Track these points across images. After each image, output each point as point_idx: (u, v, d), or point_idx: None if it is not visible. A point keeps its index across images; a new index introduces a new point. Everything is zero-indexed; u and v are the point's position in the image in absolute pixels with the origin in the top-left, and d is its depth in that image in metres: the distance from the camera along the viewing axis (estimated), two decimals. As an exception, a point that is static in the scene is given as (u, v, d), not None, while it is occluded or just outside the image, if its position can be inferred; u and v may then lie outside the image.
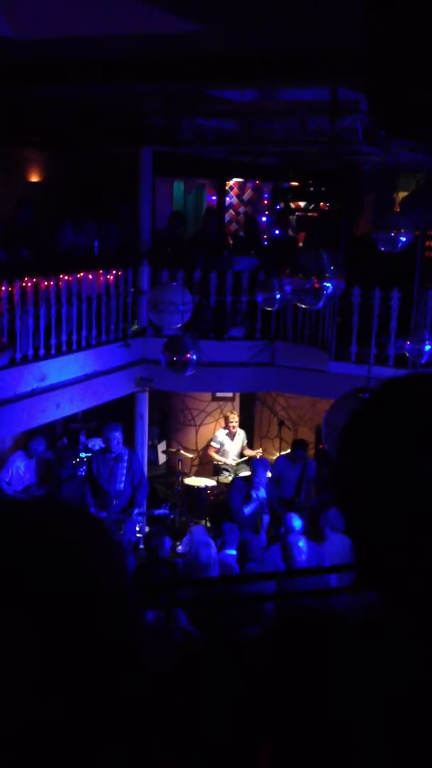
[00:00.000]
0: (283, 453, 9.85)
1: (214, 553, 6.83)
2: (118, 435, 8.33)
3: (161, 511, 9.04)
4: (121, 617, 0.73)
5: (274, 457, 10.44)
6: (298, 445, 9.30)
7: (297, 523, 7.26)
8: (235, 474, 10.33)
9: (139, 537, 8.47)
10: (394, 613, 0.91)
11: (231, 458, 10.64)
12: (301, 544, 6.76)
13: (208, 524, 9.40)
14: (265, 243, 11.78)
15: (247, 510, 8.48)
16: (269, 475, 8.98)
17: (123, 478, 8.30)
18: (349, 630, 0.97)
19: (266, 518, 8.72)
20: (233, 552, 7.26)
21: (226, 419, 10.85)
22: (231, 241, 11.77)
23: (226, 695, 0.96)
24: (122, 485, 8.30)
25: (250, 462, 9.82)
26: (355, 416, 0.98)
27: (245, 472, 9.94)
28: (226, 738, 0.94)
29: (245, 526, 8.25)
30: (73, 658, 0.68)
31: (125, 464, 8.32)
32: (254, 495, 8.55)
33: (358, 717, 0.87)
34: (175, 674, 1.00)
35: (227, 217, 13.21)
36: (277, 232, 12.11)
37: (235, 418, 10.84)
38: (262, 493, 8.57)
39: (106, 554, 0.76)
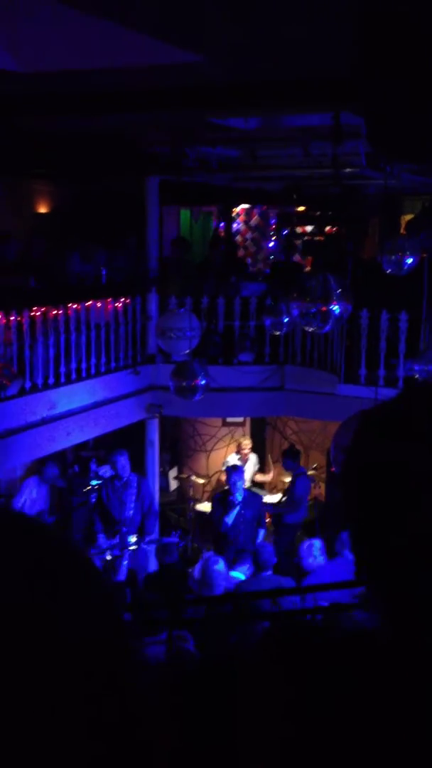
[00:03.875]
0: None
1: (224, 573, 6.84)
2: (123, 460, 8.33)
3: (170, 539, 9.00)
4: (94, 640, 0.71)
5: (287, 481, 10.41)
6: (287, 455, 9.31)
7: (317, 545, 7.25)
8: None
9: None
10: (393, 630, 0.91)
11: (243, 484, 10.61)
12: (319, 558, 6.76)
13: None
14: (267, 271, 11.85)
15: (229, 519, 8.39)
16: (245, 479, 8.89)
17: (132, 505, 8.28)
18: (341, 645, 0.97)
19: (261, 531, 8.64)
20: (239, 574, 7.28)
21: (239, 445, 10.82)
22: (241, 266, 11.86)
23: (218, 713, 0.96)
24: (131, 512, 8.28)
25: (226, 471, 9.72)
26: (357, 435, 0.98)
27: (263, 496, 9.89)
28: (218, 757, 0.94)
29: (234, 535, 8.21)
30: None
31: (134, 491, 8.31)
32: (232, 500, 8.43)
33: (349, 733, 0.87)
34: (168, 693, 1.00)
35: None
36: (281, 257, 12.20)
37: (247, 444, 10.82)
38: (238, 497, 8.45)
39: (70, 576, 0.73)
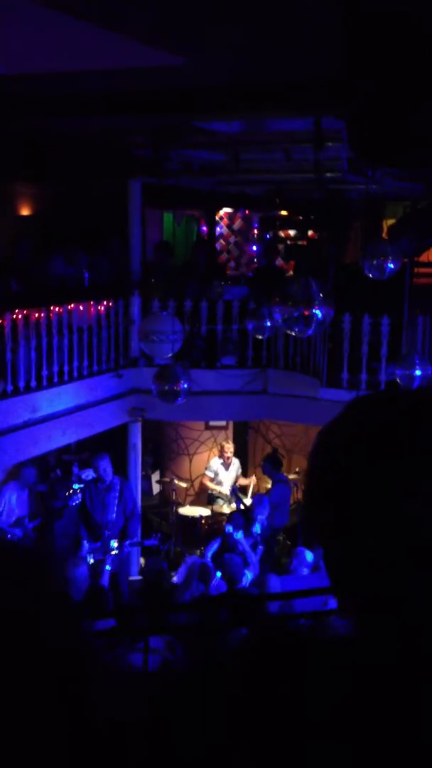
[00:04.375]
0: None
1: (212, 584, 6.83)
2: (105, 463, 8.32)
3: (151, 542, 8.98)
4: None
5: (269, 485, 10.43)
6: (267, 461, 9.30)
7: (309, 556, 7.23)
8: (229, 503, 10.30)
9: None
10: (366, 633, 0.91)
11: (226, 487, 10.61)
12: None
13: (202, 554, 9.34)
14: (250, 275, 11.88)
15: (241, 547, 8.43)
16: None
17: (114, 509, 8.26)
18: (323, 647, 0.97)
19: (260, 549, 8.67)
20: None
21: (222, 449, 10.83)
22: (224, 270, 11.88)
23: (205, 716, 0.95)
24: (114, 515, 8.26)
25: (252, 496, 9.77)
26: (319, 439, 0.98)
27: (247, 500, 9.89)
28: (208, 759, 0.93)
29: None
30: None
31: (116, 494, 8.29)
32: (252, 531, 8.50)
33: (333, 734, 0.87)
34: (156, 698, 1.00)
35: (218, 246, 13.32)
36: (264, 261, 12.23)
37: (230, 448, 10.83)
38: (257, 529, 8.51)
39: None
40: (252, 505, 8.96)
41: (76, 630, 0.73)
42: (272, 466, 9.52)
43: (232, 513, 9.43)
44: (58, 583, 0.75)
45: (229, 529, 8.47)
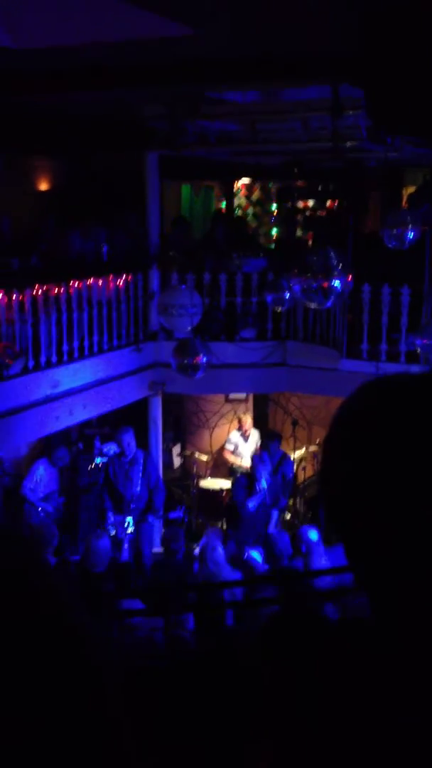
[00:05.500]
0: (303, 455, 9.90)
1: (220, 556, 6.86)
2: (128, 437, 8.38)
3: (176, 514, 9.07)
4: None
5: (291, 457, 10.45)
6: (268, 437, 9.29)
7: (314, 535, 7.20)
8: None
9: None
10: (383, 615, 0.92)
11: (246, 459, 10.64)
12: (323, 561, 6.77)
13: (224, 526, 9.41)
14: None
15: (251, 504, 8.52)
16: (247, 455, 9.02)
17: (139, 482, 8.35)
18: (340, 630, 0.98)
19: (275, 513, 8.73)
20: (257, 554, 7.32)
21: (240, 421, 10.85)
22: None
23: (221, 697, 0.97)
24: (138, 488, 8.35)
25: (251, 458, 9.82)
26: (335, 421, 0.98)
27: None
28: (224, 739, 0.95)
29: (254, 521, 8.28)
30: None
31: (140, 467, 8.37)
32: (257, 488, 8.57)
33: (349, 716, 0.88)
34: (172, 678, 1.02)
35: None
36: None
37: (248, 420, 10.84)
38: (263, 484, 8.58)
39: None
40: (253, 464, 8.97)
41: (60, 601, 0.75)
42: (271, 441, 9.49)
43: (235, 480, 9.42)
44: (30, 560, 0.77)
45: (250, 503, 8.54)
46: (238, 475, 9.67)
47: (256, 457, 9.19)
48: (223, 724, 0.95)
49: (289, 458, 9.46)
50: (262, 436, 10.15)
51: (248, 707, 0.94)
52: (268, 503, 8.66)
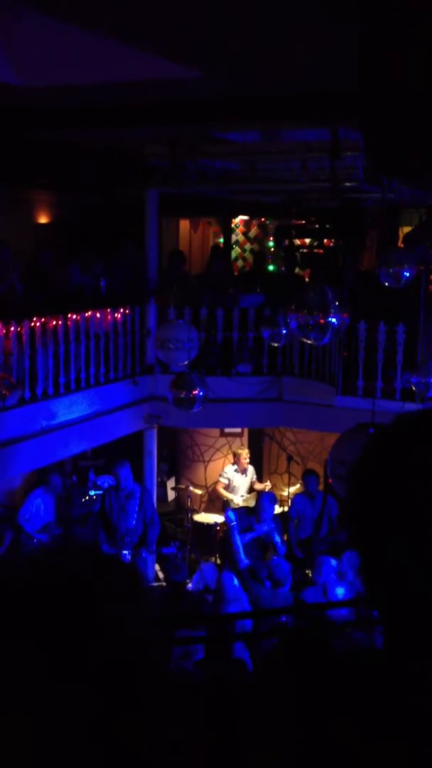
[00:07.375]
0: (297, 492, 9.79)
1: (239, 588, 6.83)
2: (125, 471, 8.35)
3: (170, 549, 9.00)
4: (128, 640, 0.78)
5: (284, 493, 10.42)
6: (310, 475, 9.22)
7: (333, 562, 7.16)
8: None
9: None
10: (397, 645, 0.92)
11: (240, 494, 10.60)
12: (340, 591, 6.72)
13: (218, 561, 9.33)
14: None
15: (241, 540, 8.28)
16: (277, 509, 8.84)
17: (135, 515, 8.30)
18: (349, 658, 0.99)
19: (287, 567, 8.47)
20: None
21: (237, 456, 10.80)
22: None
23: (223, 723, 0.98)
24: (134, 522, 8.30)
25: (258, 495, 9.71)
26: (365, 452, 0.99)
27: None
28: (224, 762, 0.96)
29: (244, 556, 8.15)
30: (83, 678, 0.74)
31: (137, 501, 8.33)
32: (256, 528, 8.42)
33: (358, 743, 0.89)
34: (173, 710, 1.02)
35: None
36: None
37: (246, 454, 10.81)
38: (266, 528, 8.43)
39: (116, 589, 0.81)
40: (259, 503, 8.77)
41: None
42: (314, 480, 9.36)
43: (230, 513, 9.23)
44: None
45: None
46: (231, 509, 9.49)
47: (264, 495, 8.93)
48: (223, 753, 0.95)
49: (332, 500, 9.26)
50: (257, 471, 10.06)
51: (252, 730, 0.95)
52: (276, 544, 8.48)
